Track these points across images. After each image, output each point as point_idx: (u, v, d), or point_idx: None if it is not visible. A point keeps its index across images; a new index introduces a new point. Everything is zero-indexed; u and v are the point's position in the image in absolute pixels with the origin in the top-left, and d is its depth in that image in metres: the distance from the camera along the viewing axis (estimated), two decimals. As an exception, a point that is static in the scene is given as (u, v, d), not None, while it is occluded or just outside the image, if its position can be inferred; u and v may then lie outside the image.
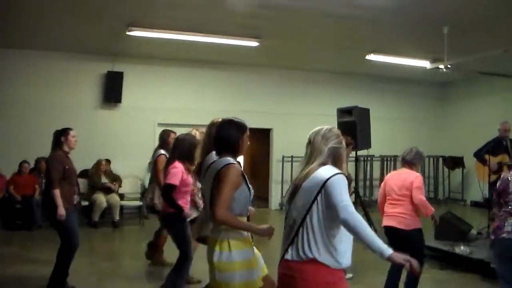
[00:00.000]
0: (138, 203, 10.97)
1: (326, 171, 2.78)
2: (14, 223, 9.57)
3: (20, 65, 10.96)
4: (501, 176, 4.38)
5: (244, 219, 3.38)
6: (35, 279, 5.82)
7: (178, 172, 5.25)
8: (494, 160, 8.24)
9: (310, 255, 2.58)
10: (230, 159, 3.37)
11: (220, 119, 4.18)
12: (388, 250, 2.54)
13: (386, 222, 5.32)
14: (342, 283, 2.63)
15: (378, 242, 2.54)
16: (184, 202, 5.40)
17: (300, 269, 2.58)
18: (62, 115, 10.61)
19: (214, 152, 3.83)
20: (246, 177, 3.40)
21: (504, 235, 4.09)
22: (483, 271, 6.32)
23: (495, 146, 8.33)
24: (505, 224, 4.12)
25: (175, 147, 5.48)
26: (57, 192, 5.42)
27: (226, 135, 3.48)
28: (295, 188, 2.87)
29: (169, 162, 5.42)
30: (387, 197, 5.36)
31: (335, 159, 2.92)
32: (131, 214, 11.35)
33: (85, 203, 9.78)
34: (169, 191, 5.21)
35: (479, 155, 8.54)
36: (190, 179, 5.39)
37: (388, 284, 5.34)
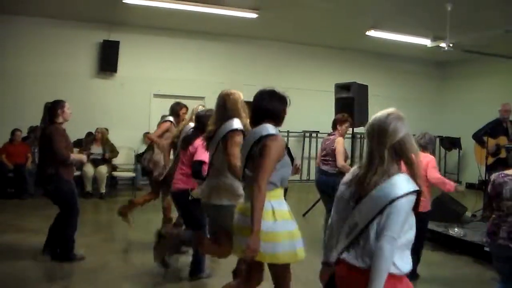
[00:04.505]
0: (131, 174, 10.91)
1: (397, 186, 2.39)
2: (5, 192, 9.51)
3: (12, 32, 10.72)
4: (492, 179, 4.23)
5: (281, 190, 3.41)
6: (26, 248, 5.79)
7: None
8: (492, 142, 8.16)
9: (368, 264, 2.38)
10: (272, 128, 3.38)
11: (230, 91, 4.18)
12: None
13: None
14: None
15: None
16: None
17: (360, 275, 2.41)
18: (56, 84, 10.50)
19: (235, 120, 4.01)
20: (289, 148, 3.44)
21: (500, 241, 4.03)
22: (476, 254, 6.29)
23: (495, 128, 8.23)
24: (500, 230, 4.06)
25: (201, 123, 5.10)
26: (72, 156, 5.69)
27: (271, 106, 3.45)
28: (361, 193, 2.47)
29: (196, 137, 5.14)
30: None
31: (401, 154, 2.45)
32: (124, 185, 11.29)
33: (77, 173, 9.71)
34: (200, 168, 4.89)
35: (478, 136, 8.45)
36: None
37: None
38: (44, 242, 5.79)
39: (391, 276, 2.37)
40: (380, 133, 2.46)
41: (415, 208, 2.46)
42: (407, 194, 2.38)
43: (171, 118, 6.95)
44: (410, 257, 2.48)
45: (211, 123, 4.24)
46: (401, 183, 2.40)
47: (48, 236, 5.78)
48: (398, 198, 2.36)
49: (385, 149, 2.42)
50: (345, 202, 2.58)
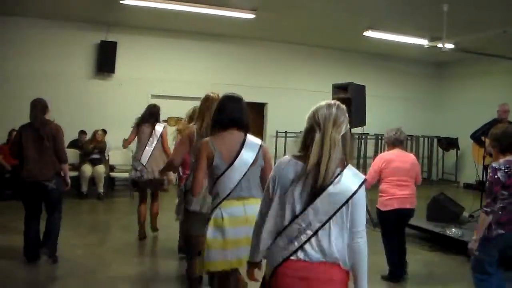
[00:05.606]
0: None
1: (352, 178, 2.46)
2: (3, 193, 9.43)
3: (10, 34, 10.68)
4: (502, 167, 4.02)
5: None
6: (21, 250, 5.75)
7: None
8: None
9: (333, 256, 2.41)
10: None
11: (215, 94, 4.13)
12: None
13: (400, 204, 5.32)
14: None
15: (365, 281, 2.48)
16: None
17: (317, 269, 2.42)
18: (54, 85, 10.48)
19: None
20: None
21: None
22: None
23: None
24: None
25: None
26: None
27: (245, 114, 3.53)
28: (316, 191, 2.42)
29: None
30: (390, 178, 5.31)
31: (345, 144, 2.50)
32: (121, 186, 11.27)
33: (74, 173, 9.68)
34: None
35: (476, 136, 8.45)
36: None
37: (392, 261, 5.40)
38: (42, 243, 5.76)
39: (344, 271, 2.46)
40: (336, 121, 2.47)
41: None
42: (361, 184, 2.47)
43: (164, 124, 7.08)
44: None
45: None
46: (352, 176, 2.48)
47: (44, 237, 5.78)
48: (357, 190, 2.44)
49: (339, 137, 2.46)
50: (287, 197, 2.49)
